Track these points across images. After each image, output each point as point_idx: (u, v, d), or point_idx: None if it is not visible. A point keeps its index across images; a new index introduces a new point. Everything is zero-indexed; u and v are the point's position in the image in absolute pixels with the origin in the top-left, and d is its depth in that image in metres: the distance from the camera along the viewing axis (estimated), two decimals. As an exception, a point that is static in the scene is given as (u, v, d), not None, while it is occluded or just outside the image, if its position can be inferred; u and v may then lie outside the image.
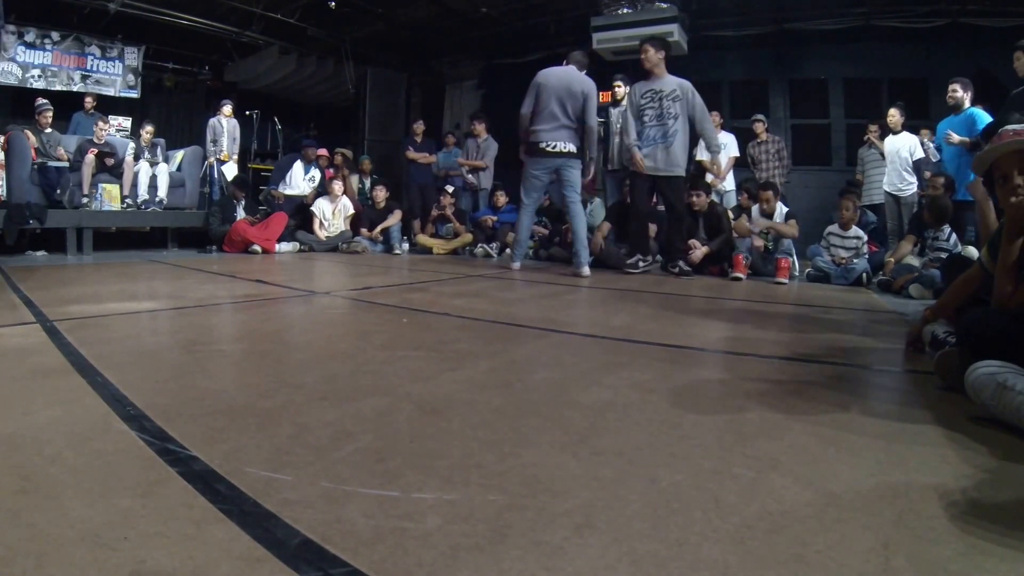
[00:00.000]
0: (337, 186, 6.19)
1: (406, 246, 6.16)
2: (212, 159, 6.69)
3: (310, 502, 0.77)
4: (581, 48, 4.79)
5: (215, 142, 6.67)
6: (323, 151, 6.93)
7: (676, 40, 6.36)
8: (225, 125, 6.78)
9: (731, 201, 5.70)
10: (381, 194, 6.18)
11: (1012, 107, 3.64)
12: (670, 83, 4.20)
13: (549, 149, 4.06)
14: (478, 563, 0.64)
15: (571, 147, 4.10)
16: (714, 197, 5.54)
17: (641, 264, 4.32)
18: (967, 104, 4.33)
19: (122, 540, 0.66)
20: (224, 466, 0.87)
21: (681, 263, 4.25)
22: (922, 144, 5.11)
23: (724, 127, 6.29)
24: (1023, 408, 1.09)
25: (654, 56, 4.19)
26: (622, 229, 4.85)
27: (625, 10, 6.55)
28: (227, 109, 6.82)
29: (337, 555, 0.65)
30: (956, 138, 4.23)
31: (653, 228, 4.80)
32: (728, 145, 6.14)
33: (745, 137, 6.17)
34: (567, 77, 4.10)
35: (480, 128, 6.37)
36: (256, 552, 0.65)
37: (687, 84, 4.21)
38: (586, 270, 4.06)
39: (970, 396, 1.20)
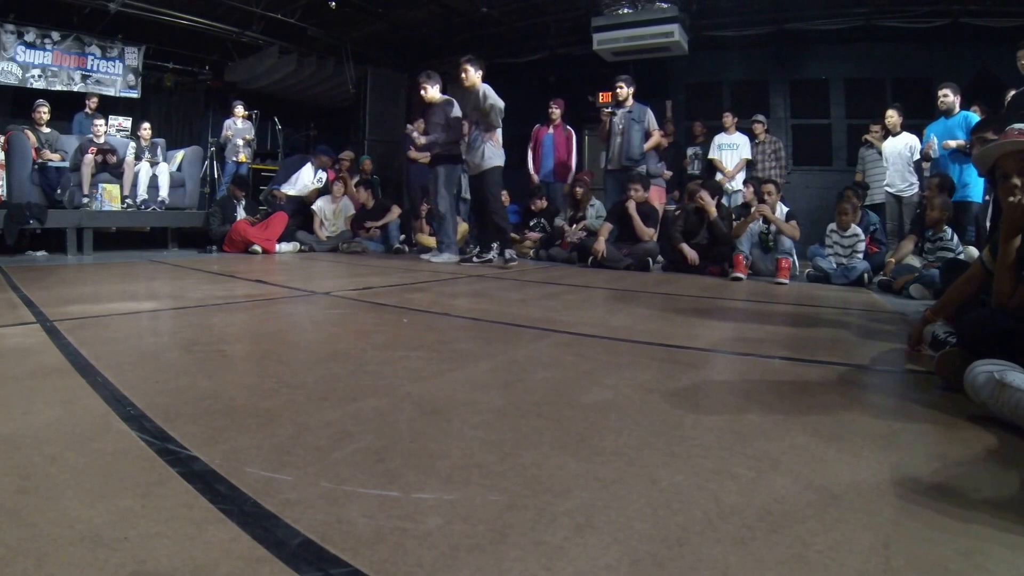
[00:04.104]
0: (339, 187, 6.20)
1: (406, 247, 6.16)
2: (230, 159, 6.88)
3: (310, 502, 0.77)
4: (581, 48, 4.93)
5: (230, 142, 6.79)
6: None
7: (676, 40, 6.36)
8: (240, 126, 6.85)
9: (739, 200, 5.72)
10: (362, 194, 6.17)
11: (1014, 107, 3.64)
12: (473, 96, 4.56)
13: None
14: (478, 563, 0.64)
15: None
16: (722, 198, 5.56)
17: (474, 259, 4.75)
18: (958, 108, 4.44)
19: (122, 540, 0.66)
20: (224, 466, 0.87)
21: (509, 252, 4.65)
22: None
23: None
24: (1022, 404, 1.09)
25: (473, 75, 4.53)
26: (623, 230, 4.86)
27: (625, 10, 6.55)
28: (239, 110, 6.88)
29: (337, 555, 0.65)
30: (953, 143, 4.28)
31: (650, 231, 4.81)
32: (740, 146, 6.15)
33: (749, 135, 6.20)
34: None
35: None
36: (256, 552, 0.65)
37: (481, 87, 4.53)
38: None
39: (970, 395, 1.20)
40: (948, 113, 4.48)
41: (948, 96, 4.46)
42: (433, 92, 4.96)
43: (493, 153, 4.58)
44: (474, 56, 4.62)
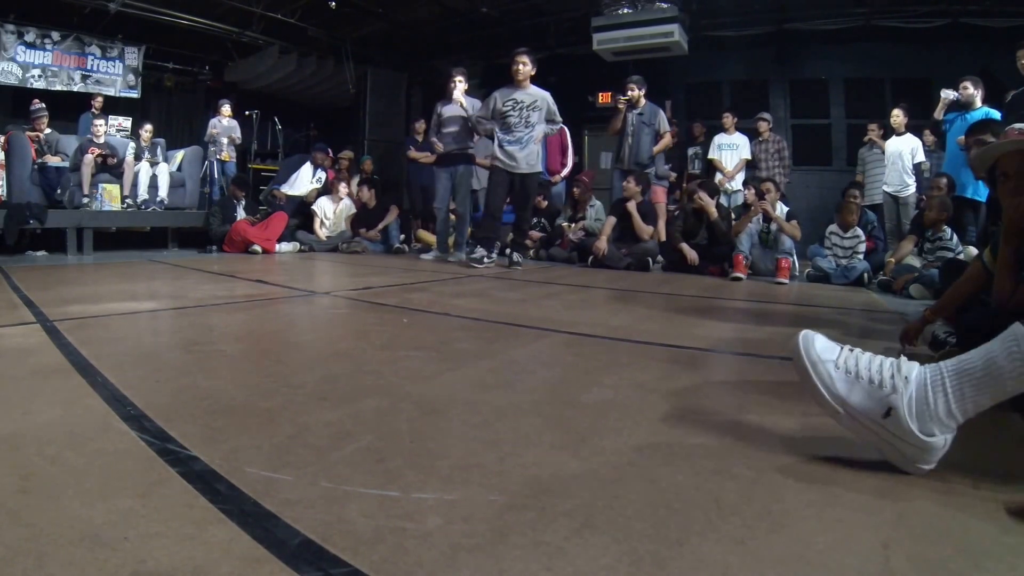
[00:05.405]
0: (341, 187, 6.20)
1: (406, 247, 6.16)
2: (213, 157, 6.79)
3: (310, 502, 0.77)
4: (581, 48, 4.90)
5: (214, 142, 6.73)
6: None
7: (676, 40, 6.36)
8: (225, 124, 6.83)
9: (739, 201, 5.71)
10: (366, 193, 6.17)
11: (1014, 107, 3.64)
12: (532, 94, 4.50)
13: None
14: (478, 563, 0.64)
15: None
16: (722, 198, 5.56)
17: (486, 260, 4.58)
18: (979, 102, 4.24)
19: (122, 540, 0.66)
20: (224, 466, 0.87)
21: (517, 255, 4.57)
22: (924, 147, 5.12)
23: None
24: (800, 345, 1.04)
25: (530, 70, 4.48)
26: (624, 229, 4.86)
27: (625, 10, 6.56)
28: (225, 109, 6.87)
29: (337, 555, 0.65)
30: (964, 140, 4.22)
31: (649, 230, 4.80)
32: (740, 146, 6.14)
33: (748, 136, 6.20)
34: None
35: None
36: (256, 552, 0.65)
37: (545, 94, 4.50)
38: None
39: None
40: (968, 107, 4.25)
41: (968, 88, 4.24)
42: (460, 88, 5.01)
43: (541, 156, 4.64)
44: (529, 50, 4.61)
